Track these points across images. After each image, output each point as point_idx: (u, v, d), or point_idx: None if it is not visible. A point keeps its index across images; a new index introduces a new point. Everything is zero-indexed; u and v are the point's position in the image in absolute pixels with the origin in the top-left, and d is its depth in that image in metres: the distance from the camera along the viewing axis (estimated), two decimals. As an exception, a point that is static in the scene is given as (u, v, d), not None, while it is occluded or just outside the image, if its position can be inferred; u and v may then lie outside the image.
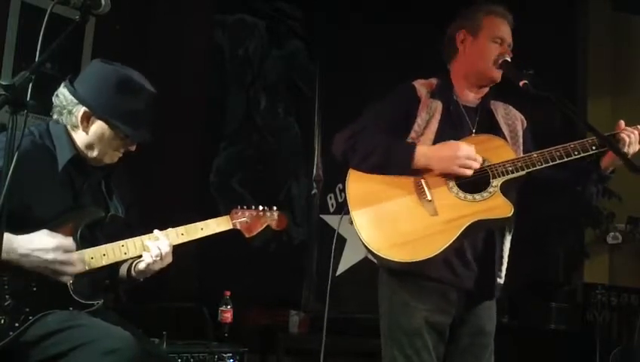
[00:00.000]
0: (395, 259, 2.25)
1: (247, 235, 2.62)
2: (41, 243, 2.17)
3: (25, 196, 2.22)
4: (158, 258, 2.37)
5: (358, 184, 2.37)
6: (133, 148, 2.43)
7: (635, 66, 5.35)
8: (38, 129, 2.39)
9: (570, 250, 5.25)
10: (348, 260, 5.13)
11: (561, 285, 5.11)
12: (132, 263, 2.45)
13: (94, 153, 2.38)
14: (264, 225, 2.66)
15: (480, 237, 2.37)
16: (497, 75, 2.40)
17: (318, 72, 5.38)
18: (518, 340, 4.57)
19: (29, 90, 1.77)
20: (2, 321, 2.13)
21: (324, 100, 5.29)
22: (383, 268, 2.41)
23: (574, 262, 5.24)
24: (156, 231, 2.43)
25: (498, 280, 2.42)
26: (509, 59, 2.37)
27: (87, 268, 2.29)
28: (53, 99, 2.39)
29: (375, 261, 2.35)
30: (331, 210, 5.22)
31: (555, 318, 4.80)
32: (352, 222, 2.33)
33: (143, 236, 2.41)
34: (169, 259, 2.42)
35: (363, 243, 2.30)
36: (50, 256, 2.17)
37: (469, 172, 2.28)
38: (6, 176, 1.70)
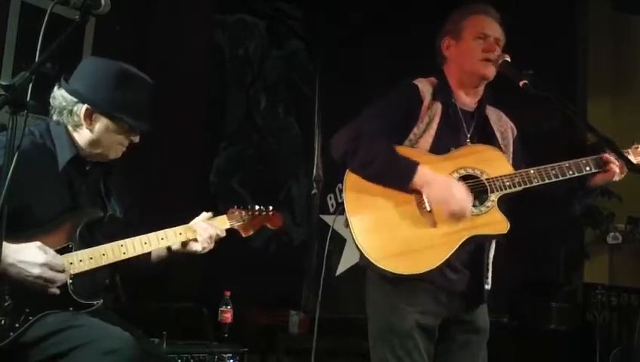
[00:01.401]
0: (393, 271, 2.24)
1: (243, 235, 2.63)
2: (29, 257, 2.15)
3: (25, 196, 2.21)
4: (210, 241, 2.45)
5: (356, 187, 2.33)
6: (136, 139, 2.44)
7: (635, 66, 5.35)
8: (39, 129, 2.38)
9: (570, 250, 5.25)
10: (348, 260, 5.12)
11: (561, 285, 5.12)
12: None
13: (99, 149, 2.39)
14: (260, 225, 2.67)
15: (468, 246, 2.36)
16: (488, 71, 2.37)
17: (318, 72, 5.38)
18: (518, 340, 4.57)
19: (29, 90, 1.77)
20: (2, 322, 2.13)
21: (324, 100, 5.29)
22: (374, 272, 2.38)
23: (574, 262, 5.24)
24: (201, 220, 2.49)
25: (485, 286, 2.42)
26: (509, 59, 2.35)
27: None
28: (51, 100, 2.38)
29: (369, 267, 2.33)
30: (331, 210, 5.21)
31: (555, 318, 4.80)
32: (347, 225, 2.30)
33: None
34: (212, 245, 2.48)
35: (359, 250, 2.27)
36: (36, 271, 2.15)
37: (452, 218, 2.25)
38: (6, 176, 1.70)
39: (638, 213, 5.01)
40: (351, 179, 2.35)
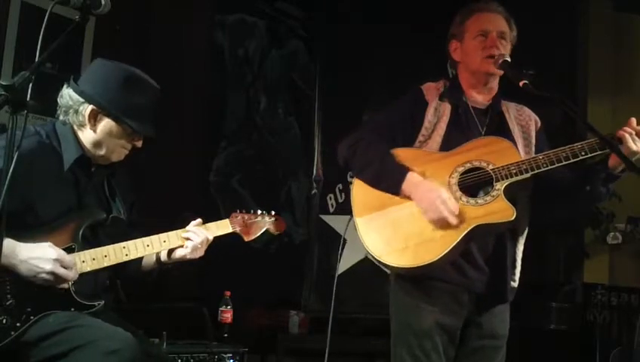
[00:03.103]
0: (395, 265, 2.25)
1: (245, 239, 2.65)
2: (42, 253, 2.17)
3: (29, 195, 2.23)
4: (200, 246, 2.46)
5: (362, 190, 2.37)
6: (139, 144, 2.45)
7: (635, 66, 5.36)
8: (45, 129, 2.39)
9: (570, 250, 5.25)
10: (348, 260, 5.11)
11: (561, 285, 5.11)
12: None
13: (102, 151, 2.39)
14: (262, 229, 2.68)
15: (490, 241, 2.35)
16: (491, 67, 2.37)
17: (318, 72, 5.37)
18: (518, 340, 4.57)
19: (29, 90, 1.77)
20: (4, 321, 2.13)
21: (324, 100, 5.29)
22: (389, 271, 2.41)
23: (574, 262, 5.24)
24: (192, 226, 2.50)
25: (512, 283, 2.40)
26: (509, 59, 2.35)
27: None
28: (58, 100, 2.40)
29: (380, 266, 2.36)
30: (331, 210, 5.21)
31: (555, 318, 4.80)
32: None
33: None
34: (202, 252, 2.49)
35: (366, 250, 2.30)
36: (48, 266, 2.17)
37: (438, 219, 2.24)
38: (6, 176, 1.70)
39: (638, 213, 5.01)
40: (358, 182, 2.40)
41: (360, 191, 2.38)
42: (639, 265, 5.08)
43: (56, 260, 2.18)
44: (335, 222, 5.20)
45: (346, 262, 5.14)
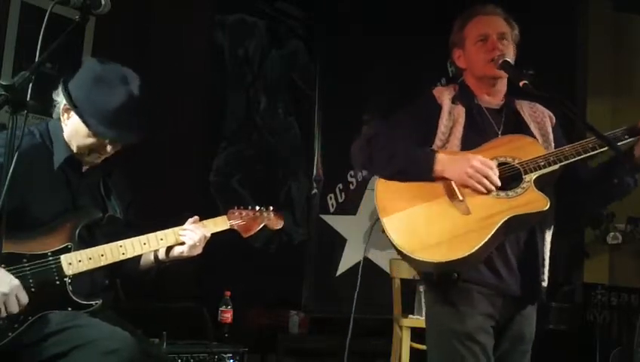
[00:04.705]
0: (430, 260, 2.18)
1: (244, 235, 2.63)
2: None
3: (23, 196, 2.22)
4: (198, 243, 2.44)
5: (386, 188, 2.32)
6: (109, 149, 2.36)
7: (635, 66, 5.35)
8: (39, 128, 2.39)
9: (570, 250, 5.24)
10: (348, 260, 5.13)
11: (561, 285, 5.11)
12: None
13: (74, 149, 2.37)
14: (261, 225, 2.66)
15: (522, 240, 2.33)
16: (495, 70, 2.36)
17: (318, 72, 5.38)
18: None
19: (29, 90, 1.77)
20: (1, 322, 2.13)
21: (324, 100, 5.29)
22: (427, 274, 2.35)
23: (574, 262, 5.24)
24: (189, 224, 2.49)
25: (542, 283, 2.37)
26: (508, 59, 2.33)
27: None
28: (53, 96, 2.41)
29: (411, 266, 2.31)
30: (331, 210, 5.21)
31: (555, 318, 4.80)
32: (383, 231, 2.27)
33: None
34: (200, 250, 2.48)
35: (396, 248, 2.24)
36: (4, 289, 2.11)
37: (479, 185, 2.22)
38: (6, 177, 1.70)
39: (638, 213, 5.01)
40: (381, 183, 2.35)
41: (384, 190, 2.32)
42: (639, 265, 5.07)
43: (18, 287, 2.13)
44: (335, 222, 5.21)
45: (346, 262, 5.15)
